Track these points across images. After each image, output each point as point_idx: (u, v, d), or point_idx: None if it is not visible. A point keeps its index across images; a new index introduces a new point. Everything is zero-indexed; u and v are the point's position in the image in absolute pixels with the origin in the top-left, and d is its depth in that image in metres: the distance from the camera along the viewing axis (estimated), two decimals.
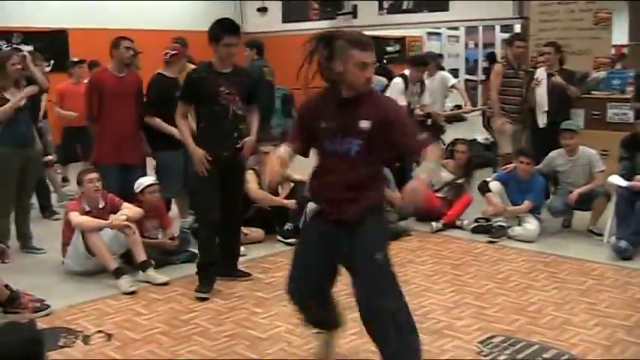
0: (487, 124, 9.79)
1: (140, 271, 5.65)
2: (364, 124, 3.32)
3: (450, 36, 18.83)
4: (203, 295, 5.24)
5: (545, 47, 7.95)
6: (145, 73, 6.89)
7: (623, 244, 6.17)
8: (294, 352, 4.31)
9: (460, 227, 7.26)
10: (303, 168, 4.18)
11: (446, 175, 7.52)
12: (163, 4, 13.20)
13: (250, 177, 6.76)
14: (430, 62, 8.63)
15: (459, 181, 7.55)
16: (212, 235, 5.42)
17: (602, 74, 9.20)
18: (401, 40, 17.75)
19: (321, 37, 3.36)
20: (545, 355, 4.18)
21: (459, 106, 11.49)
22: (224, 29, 5.15)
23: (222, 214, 5.33)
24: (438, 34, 18.61)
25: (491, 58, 13.87)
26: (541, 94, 7.79)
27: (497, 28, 18.03)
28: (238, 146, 5.36)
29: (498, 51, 16.94)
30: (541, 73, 7.86)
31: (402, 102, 7.69)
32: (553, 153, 7.04)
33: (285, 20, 13.52)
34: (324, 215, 3.48)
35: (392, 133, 3.31)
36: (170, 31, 8.52)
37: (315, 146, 3.52)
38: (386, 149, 3.40)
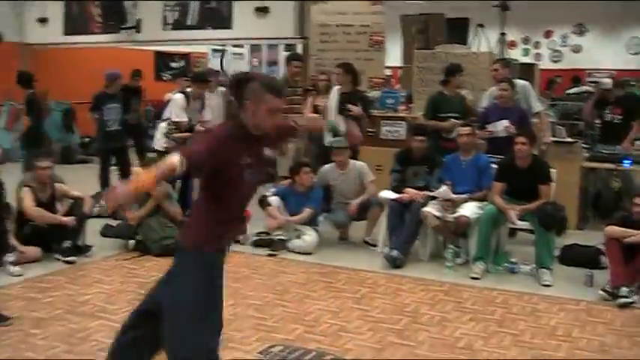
0: None
1: None
2: None
3: (234, 53, 19.03)
4: None
5: (335, 68, 8.20)
6: None
7: (394, 253, 6.54)
8: None
9: (240, 242, 7.13)
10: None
11: None
12: None
13: (26, 194, 6.49)
14: (211, 79, 8.65)
15: None
16: None
17: (377, 93, 9.72)
18: (186, 56, 17.70)
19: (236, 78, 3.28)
20: None
21: None
22: None
23: None
24: (223, 51, 18.76)
25: None
26: (330, 113, 7.91)
27: (282, 46, 18.46)
28: None
29: (282, 69, 17.32)
30: (333, 93, 8.05)
31: (183, 118, 7.72)
32: (324, 168, 7.28)
33: (67, 32, 13.05)
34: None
35: None
36: None
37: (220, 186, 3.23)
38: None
